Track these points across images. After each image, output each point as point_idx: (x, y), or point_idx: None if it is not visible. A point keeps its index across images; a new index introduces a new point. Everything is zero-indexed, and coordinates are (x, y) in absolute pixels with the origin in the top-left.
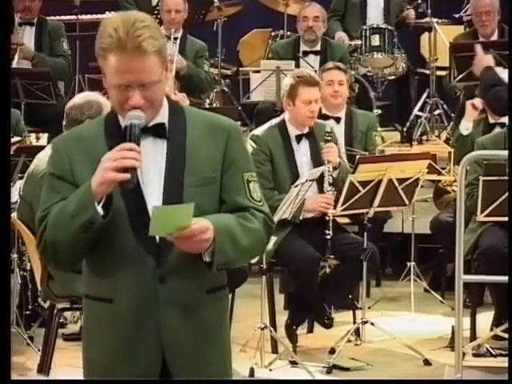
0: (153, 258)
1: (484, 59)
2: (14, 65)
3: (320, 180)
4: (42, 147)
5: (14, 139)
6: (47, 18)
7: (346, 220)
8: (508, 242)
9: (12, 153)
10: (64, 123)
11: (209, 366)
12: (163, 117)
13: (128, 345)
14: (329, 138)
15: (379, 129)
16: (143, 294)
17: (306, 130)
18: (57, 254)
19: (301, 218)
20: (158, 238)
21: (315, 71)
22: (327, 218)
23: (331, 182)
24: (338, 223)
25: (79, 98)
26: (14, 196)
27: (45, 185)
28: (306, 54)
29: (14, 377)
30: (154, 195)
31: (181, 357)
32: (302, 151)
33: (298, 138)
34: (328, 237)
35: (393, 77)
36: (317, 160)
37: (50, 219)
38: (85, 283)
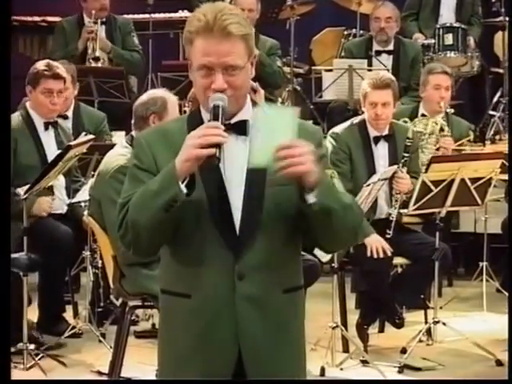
0: (232, 253)
1: None
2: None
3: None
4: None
5: (87, 137)
6: (119, 16)
7: (417, 220)
8: (508, 240)
9: (85, 151)
10: (132, 121)
11: (284, 367)
12: (246, 114)
13: (204, 342)
14: (409, 144)
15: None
16: (221, 290)
17: (386, 132)
18: (137, 236)
19: None
20: (237, 231)
21: (387, 70)
22: (391, 218)
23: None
24: (401, 224)
25: (145, 95)
26: (87, 194)
27: (128, 177)
28: (378, 53)
29: (87, 373)
30: (235, 192)
31: (257, 356)
32: (380, 153)
33: (376, 140)
34: (388, 236)
35: (466, 76)
36: (395, 163)
37: (132, 201)
38: (162, 278)
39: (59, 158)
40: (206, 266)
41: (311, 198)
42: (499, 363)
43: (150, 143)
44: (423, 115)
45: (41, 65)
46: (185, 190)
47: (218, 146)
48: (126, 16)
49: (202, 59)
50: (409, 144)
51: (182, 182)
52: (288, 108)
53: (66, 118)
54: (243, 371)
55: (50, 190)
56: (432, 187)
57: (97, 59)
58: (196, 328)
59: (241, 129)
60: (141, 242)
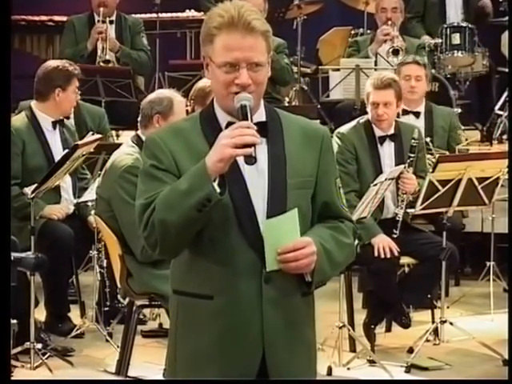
0: (259, 257)
1: None
2: (101, 57)
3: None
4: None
5: (95, 136)
6: (129, 15)
7: (422, 221)
8: (507, 238)
9: (92, 150)
10: (139, 119)
11: (300, 369)
12: (262, 115)
13: (228, 343)
14: (415, 145)
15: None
16: (248, 293)
17: (391, 132)
18: (165, 236)
19: None
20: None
21: (394, 70)
22: (397, 218)
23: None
24: (408, 224)
25: (153, 94)
26: (94, 194)
27: (145, 177)
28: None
29: (94, 373)
30: (258, 194)
31: (280, 358)
32: (386, 153)
33: (382, 140)
34: (394, 236)
35: (475, 75)
36: (401, 163)
37: (158, 201)
38: (177, 279)
39: (66, 157)
40: (231, 269)
41: (309, 277)
42: (506, 363)
43: (166, 142)
44: (404, 110)
45: (67, 65)
46: (218, 190)
47: (253, 146)
48: (133, 15)
49: (225, 55)
50: (414, 145)
51: (213, 182)
52: (291, 212)
53: (67, 118)
54: (265, 372)
55: (56, 191)
56: (439, 187)
57: (107, 62)
58: (218, 329)
59: (258, 129)
60: (168, 241)
